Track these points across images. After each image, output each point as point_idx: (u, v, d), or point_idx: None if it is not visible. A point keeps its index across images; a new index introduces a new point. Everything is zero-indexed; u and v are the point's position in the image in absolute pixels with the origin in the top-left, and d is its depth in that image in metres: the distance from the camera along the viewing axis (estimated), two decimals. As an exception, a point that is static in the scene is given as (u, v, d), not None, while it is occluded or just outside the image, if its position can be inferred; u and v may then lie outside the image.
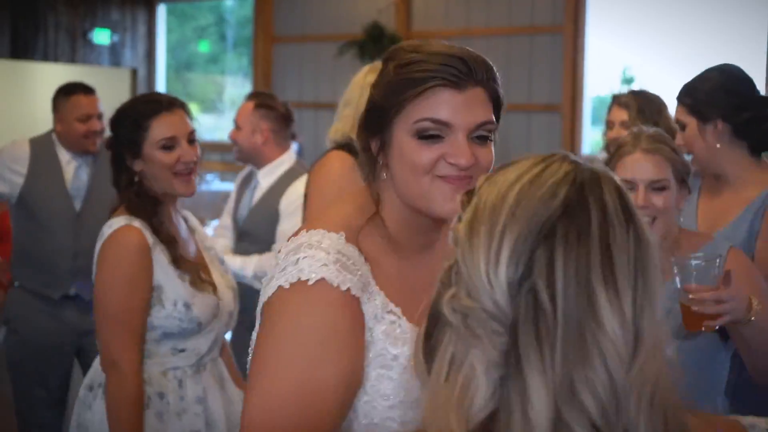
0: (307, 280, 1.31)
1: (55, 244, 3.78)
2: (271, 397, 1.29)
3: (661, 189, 2.12)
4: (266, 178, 3.87)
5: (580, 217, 0.93)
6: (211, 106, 12.05)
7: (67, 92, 3.90)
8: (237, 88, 11.53)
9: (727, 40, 10.20)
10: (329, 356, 1.30)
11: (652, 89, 3.60)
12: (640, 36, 10.60)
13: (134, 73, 9.61)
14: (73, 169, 3.87)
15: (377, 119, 1.40)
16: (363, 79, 2.84)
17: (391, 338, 1.36)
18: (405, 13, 9.83)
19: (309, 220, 1.45)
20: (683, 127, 2.54)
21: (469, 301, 0.93)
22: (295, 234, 1.41)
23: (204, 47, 11.81)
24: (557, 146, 9.47)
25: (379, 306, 1.36)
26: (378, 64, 2.92)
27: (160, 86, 9.95)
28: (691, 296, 1.85)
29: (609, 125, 3.63)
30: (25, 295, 3.83)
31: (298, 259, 1.33)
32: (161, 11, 9.92)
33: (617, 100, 3.60)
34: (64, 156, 3.87)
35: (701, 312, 1.85)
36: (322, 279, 1.31)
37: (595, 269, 0.91)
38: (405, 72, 1.36)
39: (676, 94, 2.58)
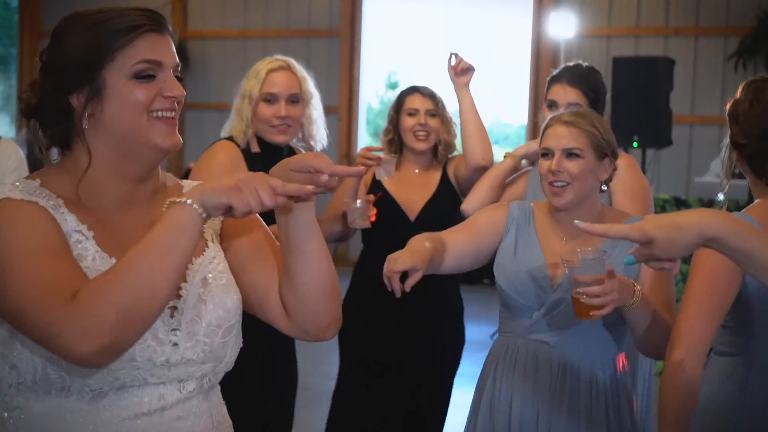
0: None
1: None
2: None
3: (575, 156, 2.28)
4: None
5: None
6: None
7: None
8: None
9: (493, 42, 10.86)
10: (50, 257, 1.39)
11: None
12: (405, 42, 11.03)
13: None
14: None
15: (81, 74, 1.50)
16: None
17: (75, 255, 1.46)
18: (181, 13, 9.69)
19: None
20: (554, 106, 3.03)
21: None
22: None
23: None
24: (334, 147, 9.67)
25: (70, 225, 1.48)
26: (275, 60, 3.09)
27: None
28: (580, 290, 2.05)
29: (412, 113, 3.48)
30: None
31: None
32: None
33: (418, 90, 3.50)
34: None
35: (589, 303, 2.05)
36: (7, 198, 1.42)
37: None
38: (107, 27, 1.50)
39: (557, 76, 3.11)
